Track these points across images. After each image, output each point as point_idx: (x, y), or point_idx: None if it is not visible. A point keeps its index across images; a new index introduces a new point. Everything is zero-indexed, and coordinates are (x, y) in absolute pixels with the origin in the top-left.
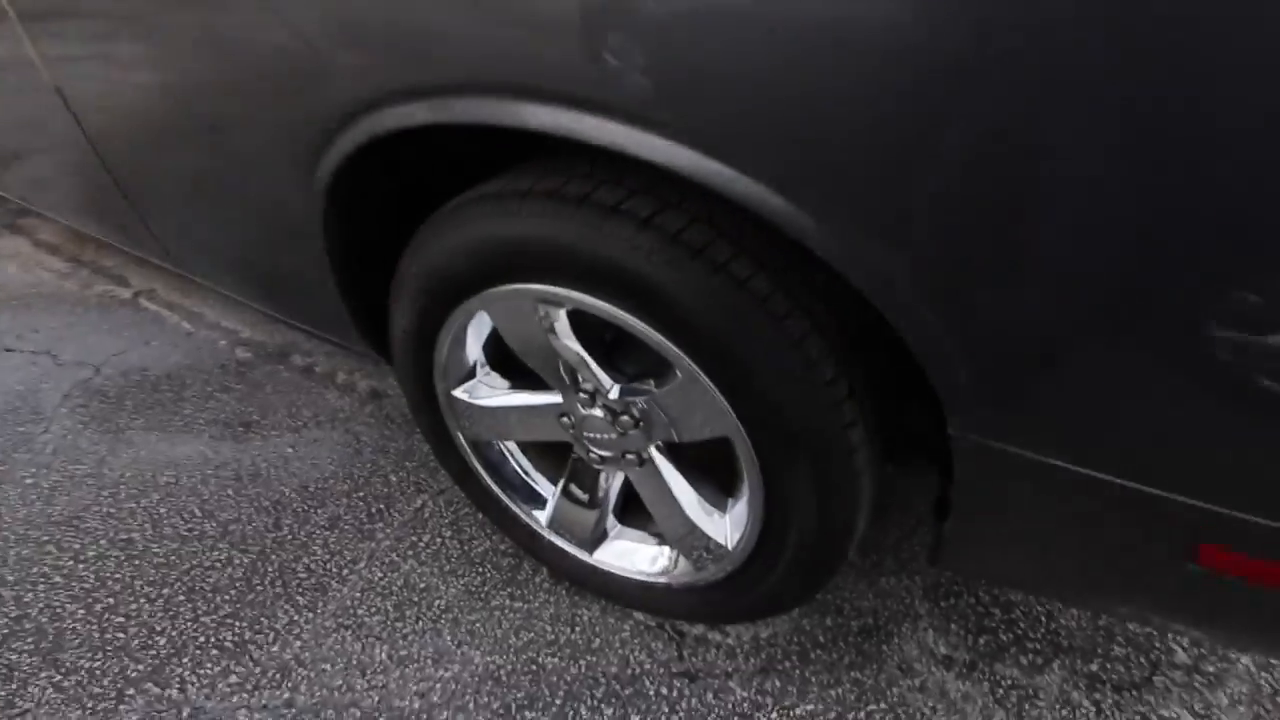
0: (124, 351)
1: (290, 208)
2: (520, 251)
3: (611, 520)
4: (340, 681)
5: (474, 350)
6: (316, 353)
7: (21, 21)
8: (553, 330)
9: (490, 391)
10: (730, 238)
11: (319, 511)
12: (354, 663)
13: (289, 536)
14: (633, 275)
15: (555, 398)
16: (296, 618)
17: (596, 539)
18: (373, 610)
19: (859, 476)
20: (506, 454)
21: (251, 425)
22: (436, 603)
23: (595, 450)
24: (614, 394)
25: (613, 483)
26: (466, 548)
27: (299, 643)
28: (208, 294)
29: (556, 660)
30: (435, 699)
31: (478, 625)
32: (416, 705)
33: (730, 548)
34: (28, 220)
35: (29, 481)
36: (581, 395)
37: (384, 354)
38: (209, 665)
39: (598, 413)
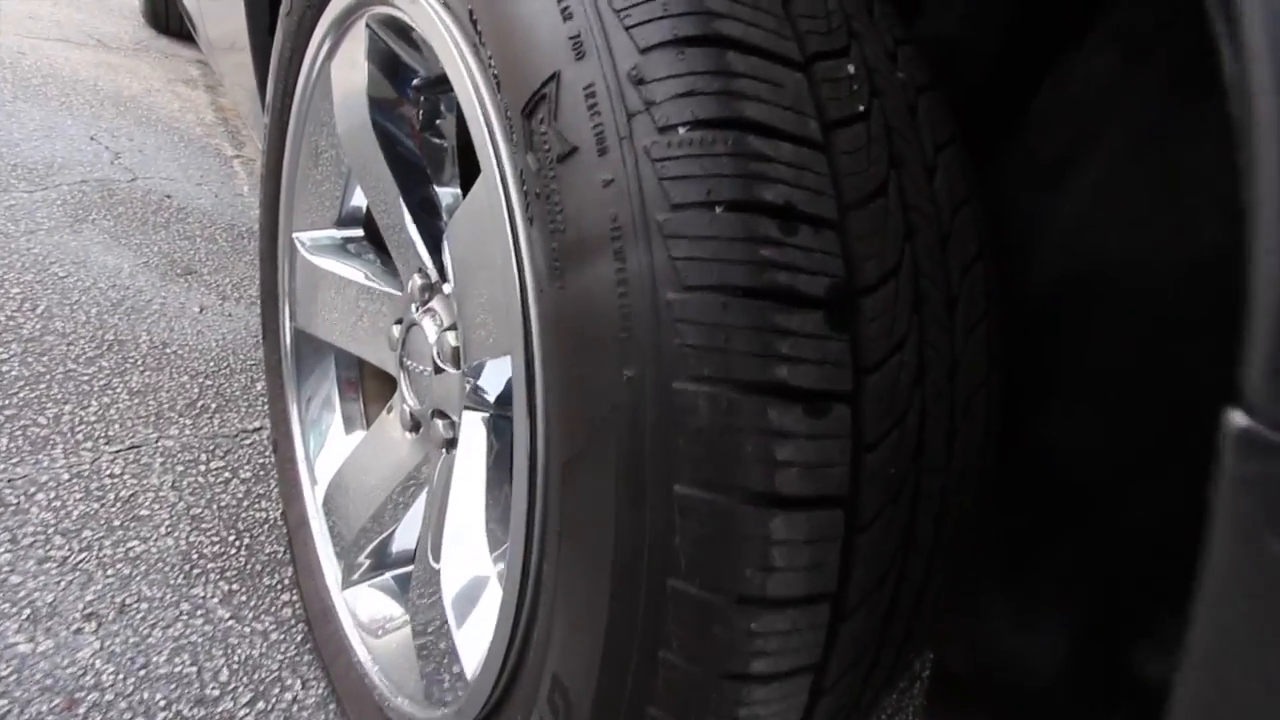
0: (172, 179)
1: None
2: None
3: (399, 543)
4: None
5: (341, 178)
6: None
7: None
8: (379, 101)
9: (333, 251)
10: None
11: (146, 374)
12: None
13: (86, 376)
14: None
15: (393, 286)
16: None
17: (366, 562)
18: (53, 506)
19: (768, 610)
20: (331, 370)
21: (192, 274)
22: (132, 545)
23: (409, 397)
24: (451, 284)
25: (428, 470)
26: (245, 504)
27: None
28: None
29: None
30: None
31: (144, 609)
32: None
33: (470, 674)
34: (222, 88)
35: None
36: (418, 282)
37: None
38: None
39: (428, 323)
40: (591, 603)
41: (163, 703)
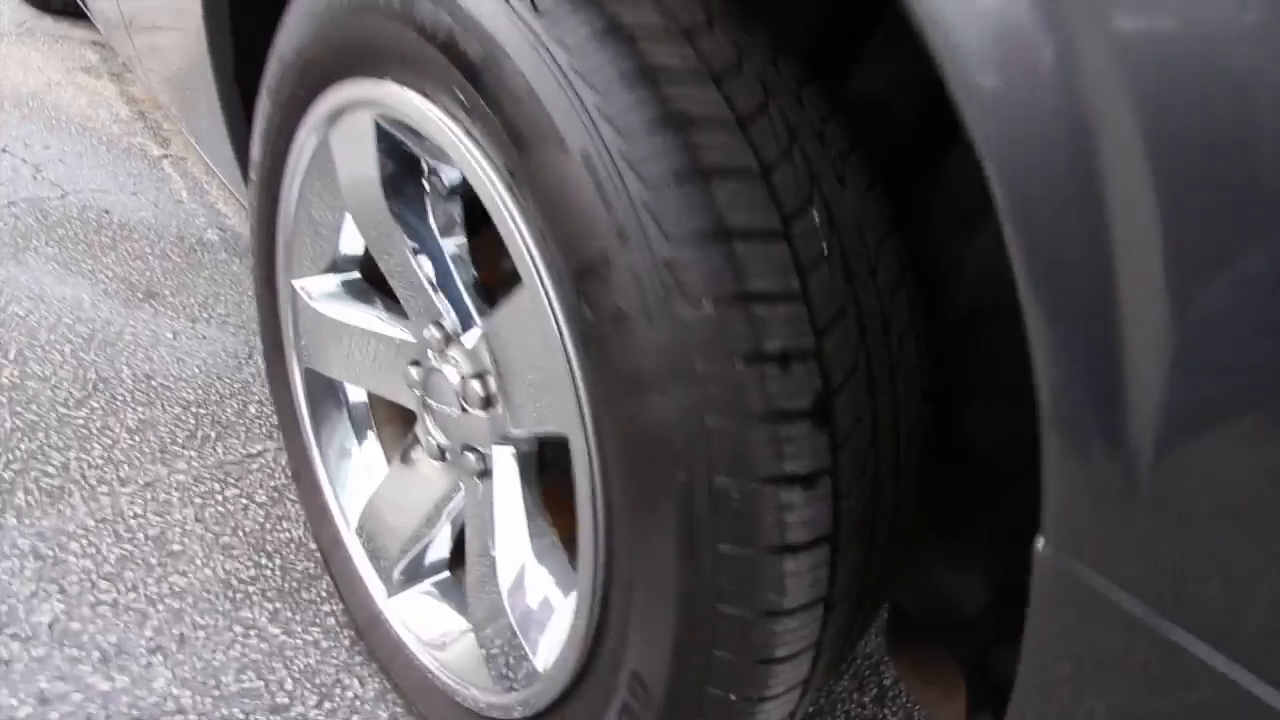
0: (104, 191)
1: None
2: (349, 6)
3: (437, 553)
4: None
5: (336, 238)
6: None
7: None
8: (392, 180)
9: (338, 296)
10: (678, 21)
11: (139, 409)
12: (3, 613)
13: (81, 420)
14: (470, 32)
15: (405, 331)
16: None
17: (406, 574)
18: (88, 551)
19: (785, 617)
20: (343, 403)
21: (155, 297)
22: (173, 580)
23: (435, 432)
24: (472, 339)
25: (454, 496)
26: (268, 527)
27: None
28: (230, 179)
29: None
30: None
31: (200, 636)
32: (24, 714)
33: (540, 667)
34: (131, 75)
35: None
36: (434, 333)
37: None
38: None
39: (449, 370)
40: (660, 623)
41: (241, 716)
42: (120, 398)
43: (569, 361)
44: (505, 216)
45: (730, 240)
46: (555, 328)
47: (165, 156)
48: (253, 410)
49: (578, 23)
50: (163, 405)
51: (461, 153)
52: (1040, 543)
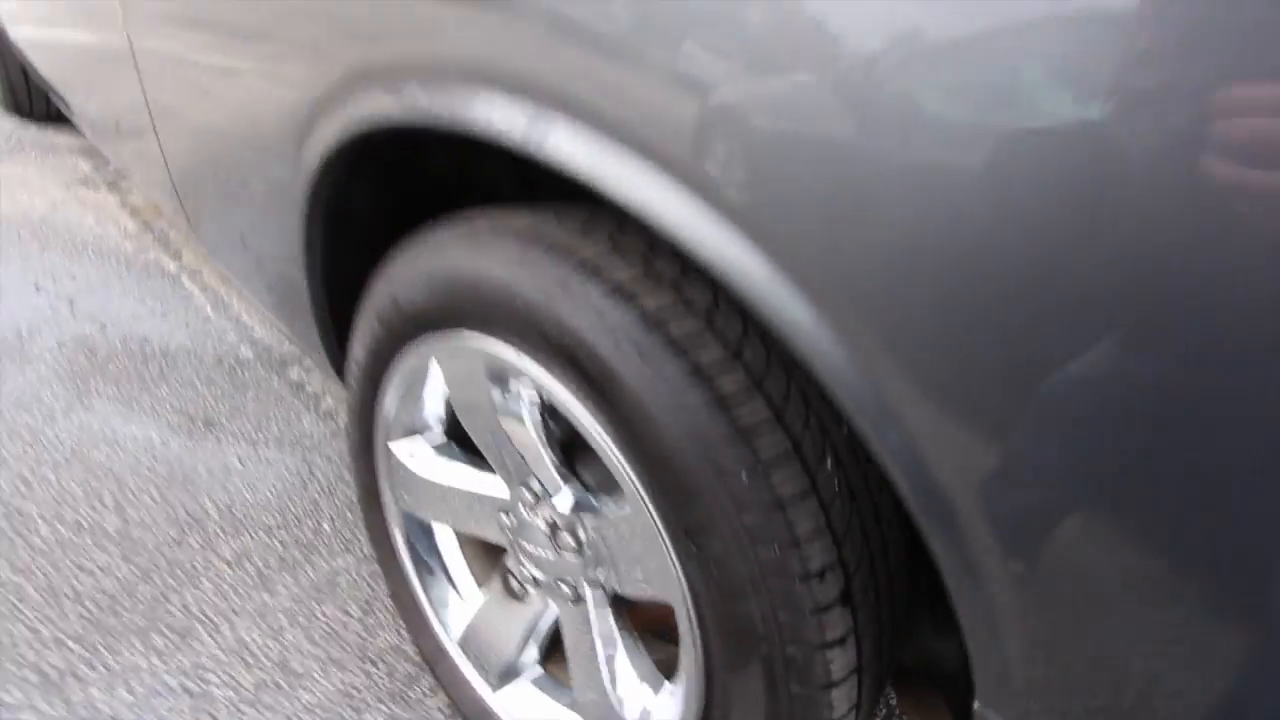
0: (138, 318)
1: (277, 186)
2: (473, 294)
3: (532, 655)
4: None
5: (427, 408)
6: (316, 371)
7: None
8: (504, 405)
9: (432, 459)
10: (729, 344)
11: (231, 540)
12: None
13: (185, 560)
14: (590, 355)
15: (499, 490)
16: (141, 662)
17: (506, 673)
18: (227, 681)
19: None
20: (436, 544)
21: (213, 425)
22: (303, 696)
23: (528, 566)
24: (562, 502)
25: (546, 611)
26: (367, 637)
27: (128, 695)
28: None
29: None
30: None
31: None
32: None
33: None
34: (126, 183)
35: None
36: (526, 494)
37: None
38: (10, 690)
39: (540, 523)
40: None
41: None
42: (212, 532)
43: (676, 569)
44: (622, 473)
45: (784, 508)
46: (665, 549)
47: (182, 270)
48: (326, 527)
49: (674, 367)
50: (250, 533)
51: (578, 417)
52: (977, 705)
